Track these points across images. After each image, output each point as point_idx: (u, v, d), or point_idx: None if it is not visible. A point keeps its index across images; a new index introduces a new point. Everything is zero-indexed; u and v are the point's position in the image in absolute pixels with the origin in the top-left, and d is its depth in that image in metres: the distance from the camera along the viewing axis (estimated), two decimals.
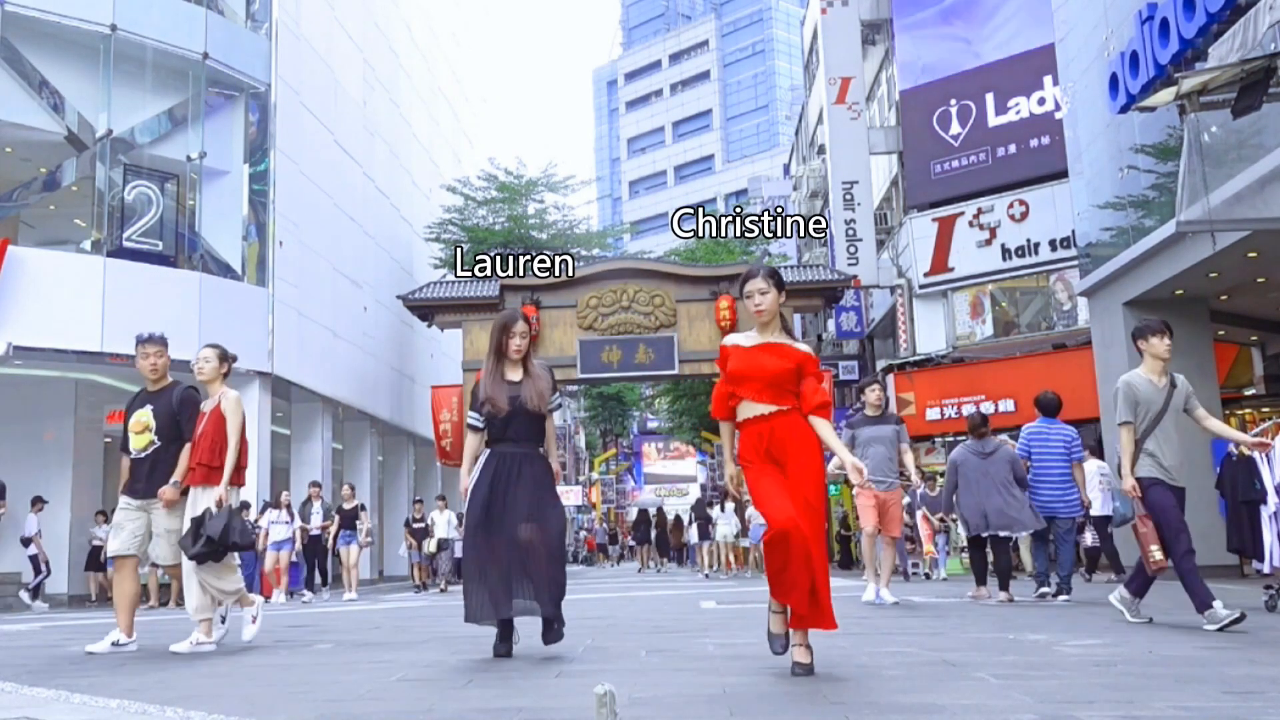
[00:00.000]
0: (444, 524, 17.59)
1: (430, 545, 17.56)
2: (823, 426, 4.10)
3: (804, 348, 4.20)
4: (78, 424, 17.55)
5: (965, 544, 10.23)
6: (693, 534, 23.07)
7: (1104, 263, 13.46)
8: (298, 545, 15.18)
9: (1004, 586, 8.75)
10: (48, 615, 13.07)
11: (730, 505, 19.84)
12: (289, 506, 15.19)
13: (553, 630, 4.80)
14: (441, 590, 16.59)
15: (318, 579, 16.48)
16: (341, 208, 22.24)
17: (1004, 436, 10.20)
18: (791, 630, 4.07)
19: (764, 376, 4.07)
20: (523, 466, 4.86)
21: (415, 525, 17.97)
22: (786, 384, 4.08)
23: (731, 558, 20.54)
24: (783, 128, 75.39)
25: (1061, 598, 8.60)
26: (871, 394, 8.69)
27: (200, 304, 16.77)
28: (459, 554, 18.91)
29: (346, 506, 15.95)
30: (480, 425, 4.95)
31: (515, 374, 4.95)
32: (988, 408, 19.01)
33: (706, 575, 19.46)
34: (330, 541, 15.76)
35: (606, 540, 42.36)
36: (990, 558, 9.19)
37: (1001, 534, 8.79)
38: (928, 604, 8.58)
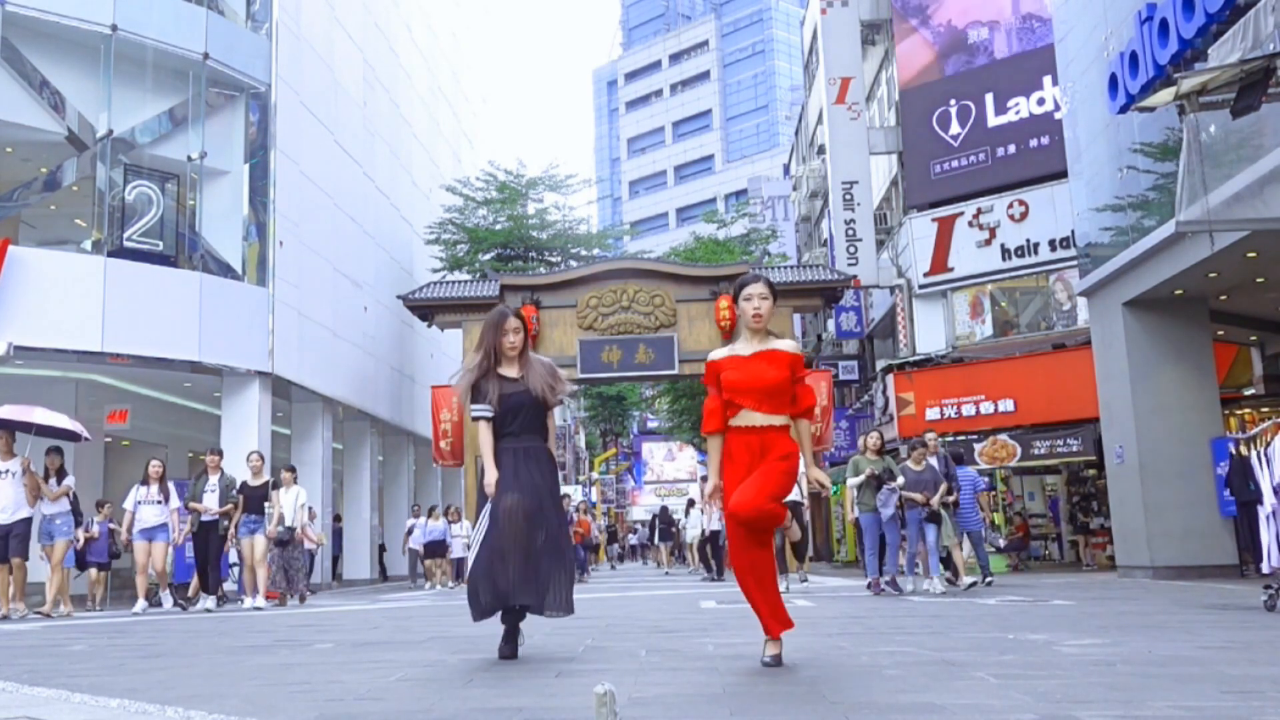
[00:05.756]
0: (290, 506, 12.77)
1: (271, 526, 12.44)
2: (805, 429, 4.31)
3: (791, 346, 4.28)
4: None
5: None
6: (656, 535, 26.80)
7: (1103, 263, 13.46)
8: (174, 534, 11.78)
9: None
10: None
11: (695, 510, 21.39)
12: (162, 481, 11.67)
13: (513, 641, 4.79)
14: (300, 600, 12.75)
15: (249, 583, 12.05)
16: (341, 208, 22.25)
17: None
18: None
19: (764, 386, 4.17)
20: (527, 462, 4.77)
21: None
22: (783, 393, 4.20)
23: (695, 557, 21.95)
24: (783, 128, 75.38)
25: (988, 580, 11.63)
26: None
27: (200, 304, 16.78)
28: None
29: (253, 483, 11.97)
30: (490, 415, 4.79)
31: (513, 370, 4.88)
32: (987, 408, 19.04)
33: (668, 572, 23.04)
34: (230, 531, 11.83)
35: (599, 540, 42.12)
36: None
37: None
38: (928, 604, 8.59)
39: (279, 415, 19.89)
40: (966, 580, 11.09)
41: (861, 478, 10.74)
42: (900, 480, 10.40)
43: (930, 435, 11.52)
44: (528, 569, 4.62)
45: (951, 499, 11.00)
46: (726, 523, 4.25)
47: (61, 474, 11.02)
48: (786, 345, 4.27)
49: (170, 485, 11.80)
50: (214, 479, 11.75)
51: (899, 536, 10.53)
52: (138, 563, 11.57)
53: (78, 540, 12.44)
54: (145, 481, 11.60)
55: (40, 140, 16.51)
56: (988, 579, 11.63)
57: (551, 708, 3.32)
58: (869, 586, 10.68)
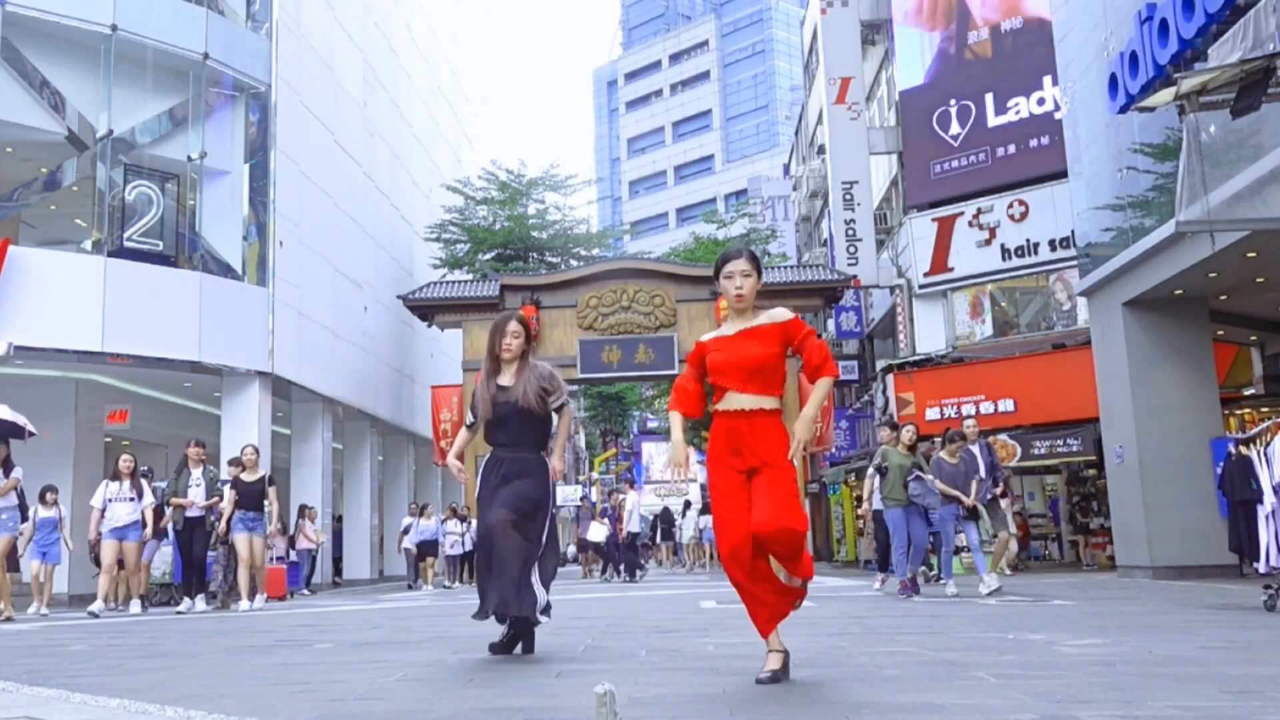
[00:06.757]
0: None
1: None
2: (823, 385, 3.90)
3: (781, 316, 3.95)
4: (78, 423, 17.56)
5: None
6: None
7: (1103, 263, 13.46)
8: (148, 531, 11.29)
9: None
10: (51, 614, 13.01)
11: (692, 511, 23.24)
12: (134, 477, 11.07)
13: (517, 643, 4.85)
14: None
15: (233, 584, 11.60)
16: (341, 208, 22.25)
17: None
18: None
19: (749, 365, 3.89)
20: (513, 470, 4.81)
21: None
22: (771, 371, 3.92)
23: (692, 555, 25.48)
24: (783, 128, 75.38)
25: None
26: None
27: (200, 304, 16.78)
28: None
29: (248, 478, 11.18)
30: (472, 422, 5.09)
31: (507, 377, 4.89)
32: (987, 408, 19.04)
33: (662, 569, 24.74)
34: (222, 527, 11.17)
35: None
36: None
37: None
38: (928, 604, 8.59)
39: (279, 415, 19.89)
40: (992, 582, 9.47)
41: (873, 467, 10.17)
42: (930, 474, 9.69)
43: (970, 423, 10.53)
44: (504, 579, 4.67)
45: (998, 491, 10.22)
46: (721, 539, 3.86)
47: (8, 466, 10.42)
48: (776, 316, 3.93)
49: (143, 482, 11.25)
50: (197, 472, 11.21)
51: (926, 535, 9.86)
52: (104, 562, 10.91)
53: (21, 532, 11.47)
54: (116, 477, 11.01)
55: (40, 140, 16.52)
56: (938, 577, 10.55)
57: (551, 708, 3.32)
58: (901, 588, 9.67)
